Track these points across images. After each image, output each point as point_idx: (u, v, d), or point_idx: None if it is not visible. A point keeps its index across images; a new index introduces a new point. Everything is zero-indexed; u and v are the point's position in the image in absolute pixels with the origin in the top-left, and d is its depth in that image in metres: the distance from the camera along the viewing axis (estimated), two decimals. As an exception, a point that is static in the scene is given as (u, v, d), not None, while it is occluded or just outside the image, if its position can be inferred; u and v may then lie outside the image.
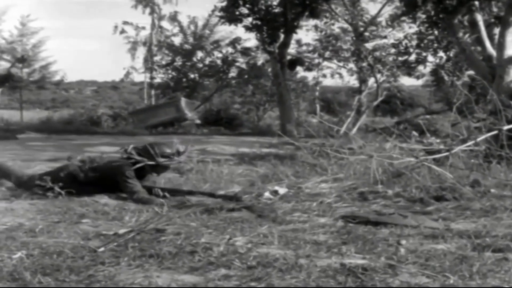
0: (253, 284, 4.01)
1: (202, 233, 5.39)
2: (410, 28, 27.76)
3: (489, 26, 15.93)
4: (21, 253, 4.62)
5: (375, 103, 29.71)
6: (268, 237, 5.27)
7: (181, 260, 4.50)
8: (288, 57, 27.57)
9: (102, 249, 4.79)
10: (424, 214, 6.64)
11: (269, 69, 29.05)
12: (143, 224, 5.59)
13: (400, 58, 28.22)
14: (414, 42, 27.52)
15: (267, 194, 7.70)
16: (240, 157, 13.14)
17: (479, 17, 15.14)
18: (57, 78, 40.71)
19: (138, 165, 7.69)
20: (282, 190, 7.89)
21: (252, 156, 13.30)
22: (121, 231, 5.40)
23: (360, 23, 30.59)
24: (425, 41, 27.07)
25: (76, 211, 6.63)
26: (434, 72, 28.32)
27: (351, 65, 30.03)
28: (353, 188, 8.16)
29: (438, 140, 10.48)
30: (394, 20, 29.02)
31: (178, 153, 7.90)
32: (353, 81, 32.49)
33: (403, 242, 5.20)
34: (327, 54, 30.14)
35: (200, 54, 31.90)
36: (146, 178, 7.95)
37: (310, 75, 33.56)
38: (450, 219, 6.44)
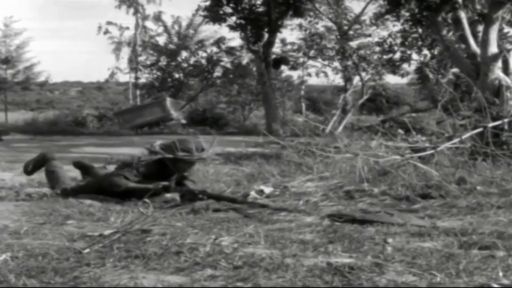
0: (239, 284, 3.99)
1: (188, 233, 5.38)
2: (394, 26, 27.79)
3: (472, 24, 15.94)
4: (6, 255, 4.58)
5: (361, 101, 29.75)
6: (254, 236, 5.26)
7: (167, 260, 4.48)
8: (273, 56, 27.53)
9: (87, 250, 4.76)
10: (410, 212, 6.65)
11: (254, 69, 29.04)
12: (128, 224, 5.55)
13: (384, 56, 28.25)
14: (398, 40, 27.53)
15: (253, 193, 7.69)
16: (226, 157, 13.12)
17: (462, 15, 15.16)
18: (41, 79, 40.60)
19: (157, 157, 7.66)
20: (268, 190, 7.88)
21: (238, 155, 13.30)
22: (107, 232, 5.37)
23: (344, 22, 30.58)
24: (409, 39, 27.09)
25: (61, 213, 6.60)
26: (419, 70, 28.36)
27: (336, 64, 30.03)
28: (339, 186, 8.17)
29: (423, 138, 10.49)
30: (378, 19, 29.04)
31: (199, 149, 7.74)
32: (338, 80, 32.48)
33: (390, 240, 5.20)
34: (311, 53, 30.10)
35: (184, 54, 31.87)
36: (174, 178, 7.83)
37: (295, 74, 33.66)
38: (436, 217, 6.46)
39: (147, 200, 6.90)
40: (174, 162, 7.68)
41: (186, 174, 7.89)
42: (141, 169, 7.72)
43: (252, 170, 9.89)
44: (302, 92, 35.56)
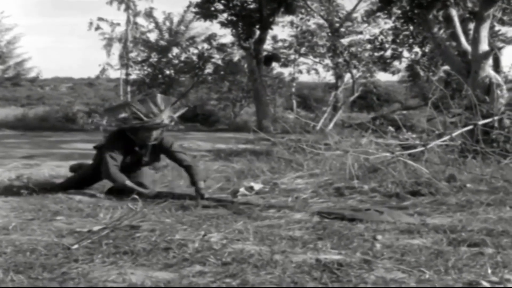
0: (227, 280, 3.99)
1: (177, 229, 5.38)
2: (385, 23, 27.75)
3: (464, 21, 15.96)
4: (-6, 251, 4.58)
5: (351, 98, 29.74)
6: (243, 233, 5.25)
7: (155, 256, 4.48)
8: (264, 53, 27.48)
9: (76, 246, 4.75)
10: (400, 209, 6.65)
11: (245, 65, 28.98)
12: (117, 221, 5.55)
13: (375, 54, 28.25)
14: (389, 38, 27.54)
15: (242, 190, 7.69)
16: (216, 153, 13.12)
17: (454, 12, 15.17)
18: (32, 75, 40.50)
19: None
20: (257, 186, 7.88)
21: (228, 152, 13.27)
22: (95, 228, 5.37)
23: (336, 19, 30.58)
24: (401, 37, 27.08)
25: (50, 208, 6.59)
26: (410, 68, 28.36)
27: (327, 61, 29.96)
28: (329, 183, 8.17)
29: (414, 135, 10.53)
30: (370, 16, 29.03)
31: (155, 113, 7.72)
32: (329, 77, 32.43)
33: (379, 237, 5.21)
34: (303, 50, 30.05)
35: (175, 50, 31.72)
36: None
37: (286, 71, 33.63)
38: (426, 214, 6.47)
39: (136, 196, 6.90)
40: (133, 132, 7.70)
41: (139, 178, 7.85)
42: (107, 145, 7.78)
43: (242, 166, 9.88)
44: (293, 89, 35.55)
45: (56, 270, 4.15)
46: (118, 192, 7.56)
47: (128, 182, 7.49)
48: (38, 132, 22.76)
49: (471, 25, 15.57)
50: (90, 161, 8.50)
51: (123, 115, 7.63)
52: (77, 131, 24.51)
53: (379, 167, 8.66)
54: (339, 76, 30.34)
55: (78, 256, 4.46)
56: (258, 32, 26.12)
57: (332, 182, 8.18)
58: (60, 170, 10.17)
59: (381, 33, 27.95)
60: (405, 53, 27.85)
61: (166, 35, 31.85)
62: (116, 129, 7.88)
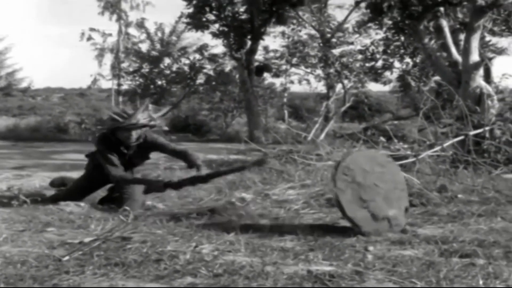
0: (219, 292, 3.98)
1: (168, 241, 5.35)
2: (376, 34, 27.90)
3: (454, 32, 16.03)
4: (-16, 263, 4.56)
5: (343, 109, 29.81)
6: (234, 244, 5.24)
7: (146, 268, 4.46)
8: (256, 64, 27.56)
9: (67, 257, 4.73)
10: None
11: (237, 76, 29.02)
12: (108, 232, 5.53)
13: (367, 64, 28.33)
14: (380, 48, 27.66)
15: (234, 201, 7.68)
16: (208, 164, 13.06)
17: (444, 23, 15.23)
18: (23, 85, 40.48)
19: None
20: (249, 197, 7.87)
21: (220, 162, 13.25)
22: (87, 239, 5.35)
23: (327, 30, 30.65)
24: (392, 47, 27.21)
25: (41, 220, 6.56)
26: (401, 78, 28.45)
27: (319, 71, 30.02)
28: (320, 194, 8.15)
29: (405, 146, 10.54)
30: (361, 27, 29.11)
31: (130, 115, 7.73)
32: (320, 87, 32.48)
33: (370, 248, 5.21)
34: (294, 60, 30.09)
35: (167, 60, 31.73)
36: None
37: (277, 82, 33.59)
38: (417, 224, 6.46)
39: (127, 207, 6.88)
40: (114, 134, 7.77)
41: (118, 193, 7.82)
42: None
43: (234, 177, 9.86)
44: (285, 99, 35.57)
45: (47, 282, 4.14)
46: (110, 202, 7.57)
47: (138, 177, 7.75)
48: (30, 143, 22.70)
49: (462, 36, 15.65)
50: (73, 174, 8.53)
51: (103, 118, 7.86)
52: (68, 142, 24.43)
53: (371, 177, 8.65)
54: (330, 87, 30.39)
55: (69, 268, 4.44)
56: (249, 43, 26.18)
57: (324, 193, 8.16)
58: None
59: (372, 43, 28.08)
60: (396, 64, 28.01)
61: (158, 46, 31.86)
62: (99, 133, 8.03)
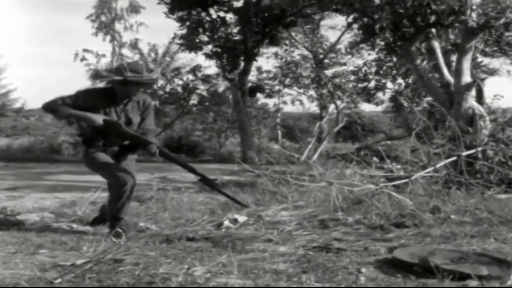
0: (211, 315, 3.97)
1: (161, 263, 5.34)
2: (369, 55, 27.98)
3: (446, 53, 16.11)
4: (-25, 286, 4.54)
5: (336, 129, 29.83)
6: (227, 266, 5.23)
7: (139, 291, 4.46)
8: (249, 84, 27.61)
9: (59, 280, 4.72)
10: (384, 241, 6.64)
11: (230, 96, 29.07)
12: (101, 254, 5.52)
13: (359, 85, 28.37)
14: (373, 69, 27.72)
15: (226, 222, 7.67)
16: (200, 185, 13.06)
17: (436, 45, 15.31)
18: (17, 105, 40.43)
19: (105, 79, 7.32)
20: (242, 218, 7.86)
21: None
22: (79, 261, 5.33)
23: (320, 50, 30.80)
24: (384, 68, 27.29)
25: (33, 242, 6.55)
26: (393, 99, 28.51)
27: (312, 92, 30.08)
28: (314, 215, 8.15)
29: (398, 166, 10.55)
30: (353, 47, 29.18)
31: (148, 70, 7.46)
32: (313, 108, 32.58)
33: (363, 270, 5.20)
34: (287, 81, 30.15)
35: (161, 81, 31.80)
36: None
37: (271, 102, 33.66)
38: (411, 246, 6.46)
39: (119, 229, 6.86)
40: (123, 85, 7.27)
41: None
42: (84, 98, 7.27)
43: (227, 198, 9.86)
44: (278, 120, 35.64)
45: (39, 305, 4.13)
46: (102, 223, 7.54)
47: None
48: (23, 163, 22.66)
49: (454, 57, 15.74)
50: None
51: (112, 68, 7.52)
52: (61, 162, 24.40)
53: (364, 199, 8.66)
54: (323, 107, 30.48)
55: (61, 291, 4.44)
56: (242, 64, 26.23)
57: (317, 214, 8.16)
58: (44, 202, 10.14)
59: (364, 64, 28.14)
60: (389, 84, 28.06)
61: (151, 66, 31.92)
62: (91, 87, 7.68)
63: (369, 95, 28.48)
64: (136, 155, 7.71)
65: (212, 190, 8.03)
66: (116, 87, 7.32)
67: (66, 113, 7.20)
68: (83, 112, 7.14)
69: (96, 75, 7.51)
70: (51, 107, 7.23)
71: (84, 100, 7.21)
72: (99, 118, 7.12)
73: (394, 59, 24.01)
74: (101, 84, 7.51)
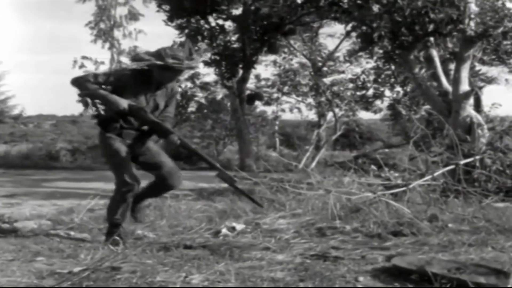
0: (209, 323, 3.97)
1: (158, 271, 5.33)
2: (367, 63, 28.01)
3: (444, 62, 16.12)
4: (-28, 293, 4.54)
5: (334, 137, 29.86)
6: (225, 274, 5.22)
7: (136, 299, 4.45)
8: (247, 92, 27.65)
9: (56, 288, 4.72)
10: (382, 250, 6.64)
11: (228, 104, 29.12)
12: (98, 262, 5.51)
13: (358, 93, 28.40)
14: (371, 77, 27.72)
15: (224, 230, 7.67)
16: (198, 193, 13.08)
17: (434, 53, 15.32)
18: (15, 112, 40.43)
19: (144, 63, 7.11)
20: (239, 226, 7.86)
21: (211, 191, 13.24)
22: (76, 269, 5.32)
23: (318, 58, 30.83)
24: (382, 76, 27.29)
25: (30, 249, 6.54)
26: (392, 107, 28.51)
27: (310, 100, 30.17)
28: (311, 223, 8.14)
29: (396, 174, 10.55)
30: (352, 55, 29.22)
31: (189, 58, 7.23)
32: (312, 116, 32.61)
33: (361, 279, 5.20)
34: (286, 89, 30.24)
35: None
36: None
37: (269, 110, 33.71)
38: (408, 254, 6.46)
39: (117, 237, 6.85)
40: (162, 70, 7.14)
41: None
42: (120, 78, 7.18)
43: (225, 206, 9.85)
44: (276, 127, 35.67)
45: (36, 313, 4.12)
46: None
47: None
48: (20, 170, 22.66)
49: (452, 66, 15.74)
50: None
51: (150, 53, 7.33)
52: (59, 169, 24.40)
53: (361, 207, 8.65)
54: (321, 115, 30.49)
55: (58, 299, 4.43)
56: (241, 71, 26.24)
57: (314, 222, 8.16)
58: (41, 209, 10.13)
59: (363, 72, 28.13)
60: (387, 92, 28.03)
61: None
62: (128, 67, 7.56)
63: (367, 103, 28.50)
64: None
65: (230, 187, 7.89)
66: (154, 71, 7.19)
67: (92, 91, 7.00)
68: (110, 94, 7.01)
69: (136, 57, 7.32)
70: (79, 82, 7.04)
71: (117, 79, 7.12)
72: (124, 103, 6.98)
73: (393, 67, 24.05)
74: (137, 66, 7.28)
